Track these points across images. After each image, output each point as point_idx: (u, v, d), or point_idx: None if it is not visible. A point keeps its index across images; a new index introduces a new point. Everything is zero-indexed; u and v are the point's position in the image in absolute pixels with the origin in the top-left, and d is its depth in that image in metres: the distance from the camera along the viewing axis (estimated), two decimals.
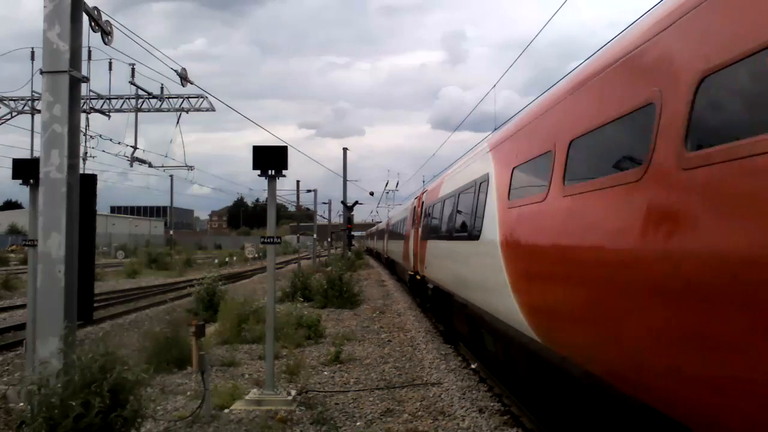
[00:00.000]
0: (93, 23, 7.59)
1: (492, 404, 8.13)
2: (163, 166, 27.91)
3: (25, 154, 29.17)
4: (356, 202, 48.49)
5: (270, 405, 7.78)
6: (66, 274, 6.69)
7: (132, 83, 21.88)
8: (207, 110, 25.46)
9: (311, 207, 51.96)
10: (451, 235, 11.40)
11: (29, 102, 24.25)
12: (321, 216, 56.88)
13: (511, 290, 6.55)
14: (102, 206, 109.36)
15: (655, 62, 3.95)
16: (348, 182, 44.68)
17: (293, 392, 8.32)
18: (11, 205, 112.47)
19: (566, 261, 5.08)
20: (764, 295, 2.66)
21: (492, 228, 7.70)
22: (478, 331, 9.49)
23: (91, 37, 8.28)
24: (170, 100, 24.86)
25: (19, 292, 24.01)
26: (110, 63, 21.73)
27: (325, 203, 57.10)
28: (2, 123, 25.23)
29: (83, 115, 14.76)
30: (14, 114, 25.19)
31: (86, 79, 7.72)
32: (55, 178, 6.76)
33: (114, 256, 61.69)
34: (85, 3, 7.21)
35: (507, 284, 6.70)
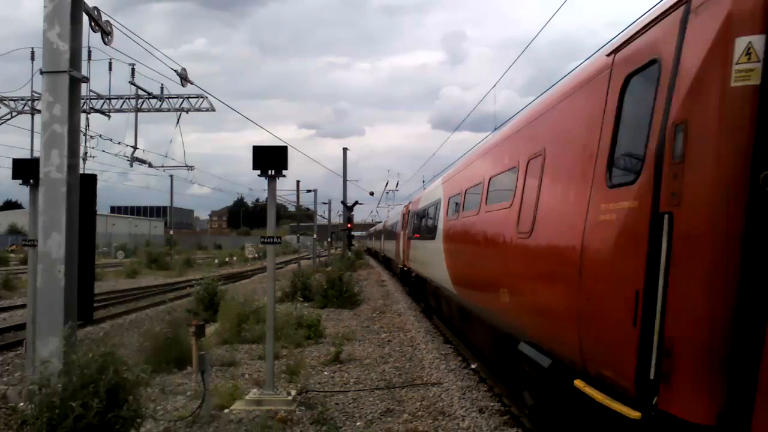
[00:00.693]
0: (93, 23, 7.60)
1: (492, 404, 8.13)
2: (163, 166, 27.89)
3: (25, 154, 29.16)
4: (356, 202, 48.44)
5: (270, 405, 7.78)
6: (66, 274, 6.69)
7: (132, 83, 21.87)
8: (207, 110, 25.41)
9: (311, 207, 52.02)
10: (423, 236, 16.42)
11: (29, 102, 24.21)
12: (321, 216, 56.94)
13: (446, 268, 11.58)
14: (102, 206, 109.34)
15: (515, 148, 7.37)
16: (348, 182, 44.69)
17: (293, 392, 8.32)
18: (11, 205, 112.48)
19: (462, 251, 10.34)
20: None
21: (440, 233, 12.81)
22: (437, 299, 14.45)
23: (91, 37, 8.30)
24: (170, 100, 24.82)
25: (19, 292, 23.99)
26: (110, 63, 21.70)
27: (325, 203, 57.16)
28: (2, 123, 25.21)
29: (83, 115, 14.78)
30: (14, 114, 25.15)
31: (86, 79, 7.74)
32: (55, 178, 6.76)
33: (114, 256, 61.65)
34: (85, 3, 7.21)
35: (444, 265, 11.76)
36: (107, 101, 24.18)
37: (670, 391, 3.42)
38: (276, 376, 8.62)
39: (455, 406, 8.01)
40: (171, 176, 49.44)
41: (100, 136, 24.25)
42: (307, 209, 58.51)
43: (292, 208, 75.84)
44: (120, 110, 24.47)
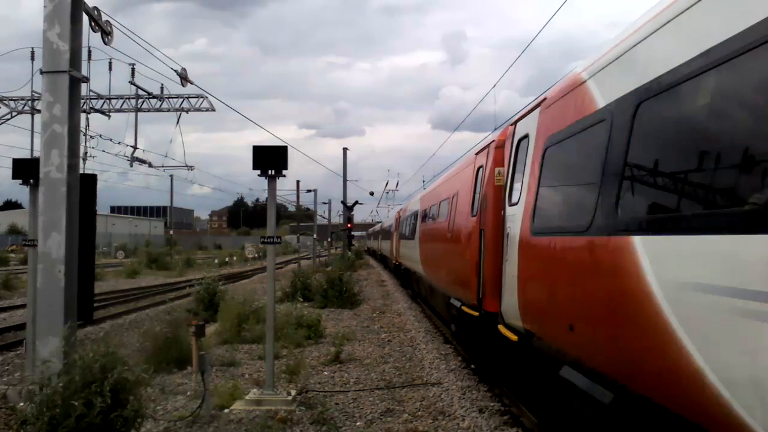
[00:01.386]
0: (93, 23, 7.61)
1: (492, 404, 8.13)
2: (163, 166, 27.92)
3: (25, 154, 29.20)
4: (356, 202, 48.49)
5: (270, 405, 7.78)
6: (66, 274, 6.70)
7: (132, 83, 21.88)
8: (207, 110, 25.41)
9: (311, 207, 52.03)
10: (407, 236, 22.34)
11: (29, 102, 24.20)
12: (321, 216, 56.95)
13: (419, 260, 17.17)
14: (102, 206, 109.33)
15: (450, 186, 12.87)
16: (348, 182, 44.73)
17: (293, 392, 8.32)
18: (11, 205, 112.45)
19: (428, 246, 15.51)
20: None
21: (417, 234, 18.38)
22: (418, 284, 19.47)
23: (91, 37, 8.30)
24: (170, 100, 24.82)
25: (19, 292, 23.99)
26: (110, 63, 21.72)
27: (325, 203, 57.16)
28: (2, 123, 25.20)
29: (83, 115, 14.79)
30: (14, 114, 25.14)
31: (86, 79, 7.74)
32: (55, 178, 6.77)
33: (114, 256, 61.66)
34: (85, 3, 7.21)
35: (419, 258, 17.36)
36: (107, 101, 24.18)
37: (485, 301, 8.32)
38: (276, 376, 8.62)
39: (455, 406, 8.02)
40: (171, 176, 49.50)
41: (100, 136, 24.31)
42: (307, 209, 58.56)
43: (292, 208, 75.88)
44: (120, 110, 24.47)
